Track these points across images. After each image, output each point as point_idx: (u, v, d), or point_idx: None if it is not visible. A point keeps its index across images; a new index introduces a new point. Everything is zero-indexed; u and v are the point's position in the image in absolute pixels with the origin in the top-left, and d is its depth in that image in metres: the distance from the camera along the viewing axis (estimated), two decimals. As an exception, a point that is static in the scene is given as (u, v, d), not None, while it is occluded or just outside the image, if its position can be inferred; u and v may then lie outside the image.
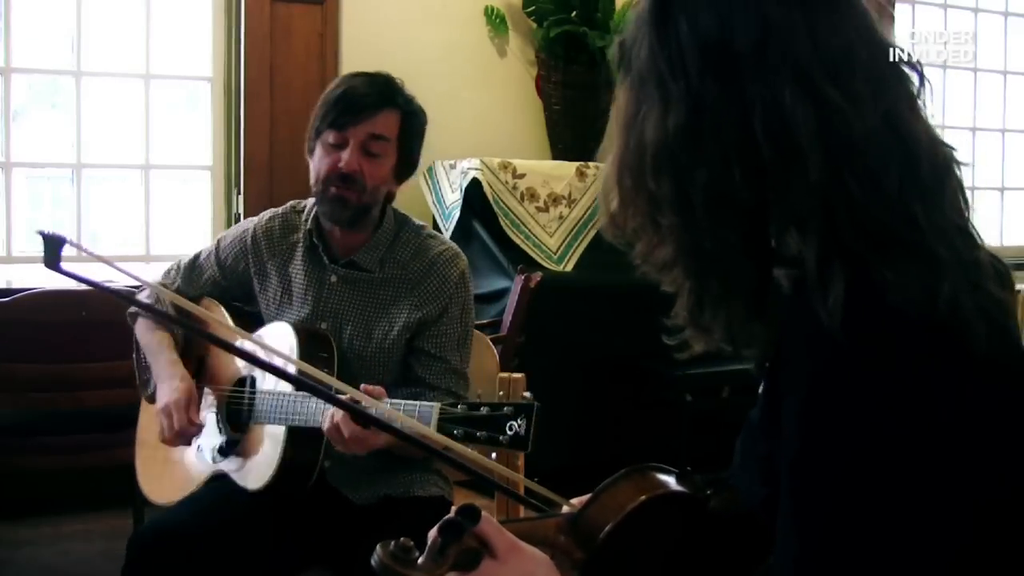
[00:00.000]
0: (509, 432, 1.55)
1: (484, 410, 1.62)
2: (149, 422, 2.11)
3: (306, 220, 2.07)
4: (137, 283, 2.13)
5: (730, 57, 0.93)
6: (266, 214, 2.15)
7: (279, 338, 1.93)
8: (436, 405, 1.68)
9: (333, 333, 1.99)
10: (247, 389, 1.99)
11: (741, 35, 0.93)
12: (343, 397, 1.42)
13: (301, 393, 1.84)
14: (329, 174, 1.96)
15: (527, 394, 1.62)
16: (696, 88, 0.94)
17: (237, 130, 3.72)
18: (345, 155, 1.94)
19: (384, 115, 1.96)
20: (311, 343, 1.93)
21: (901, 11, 4.92)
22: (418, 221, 2.12)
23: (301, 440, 1.85)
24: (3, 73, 3.56)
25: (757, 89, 0.92)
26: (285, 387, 1.88)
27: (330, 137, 1.96)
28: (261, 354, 1.69)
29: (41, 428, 2.97)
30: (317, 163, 1.99)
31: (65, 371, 2.91)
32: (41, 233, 1.37)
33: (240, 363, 2.03)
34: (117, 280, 2.18)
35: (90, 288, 1.43)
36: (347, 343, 1.99)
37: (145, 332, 2.14)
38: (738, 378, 3.17)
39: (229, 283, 2.13)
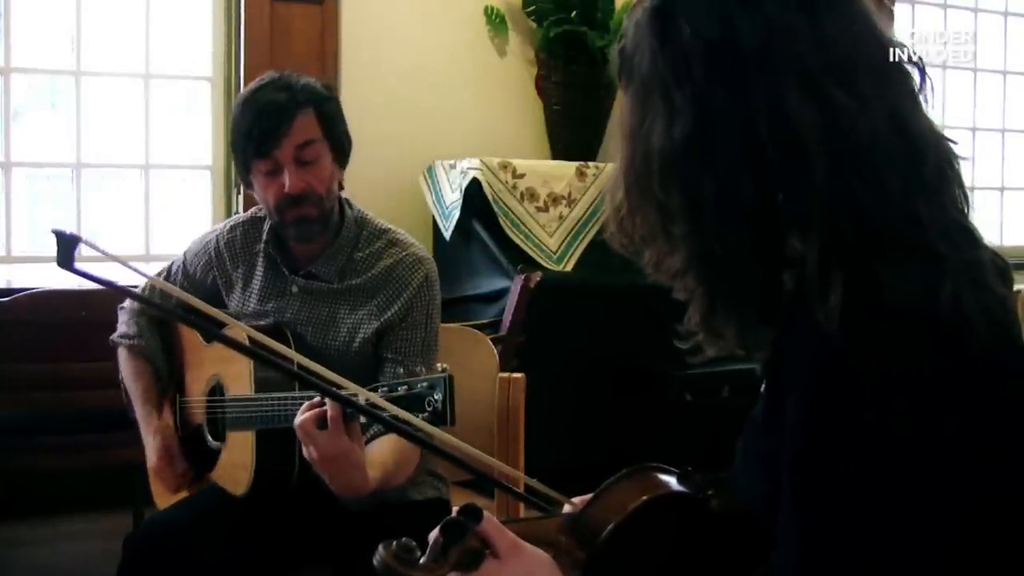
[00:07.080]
0: (428, 408, 1.46)
1: (402, 390, 1.52)
2: None
3: (265, 231, 2.02)
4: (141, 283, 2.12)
5: (734, 60, 0.92)
6: (228, 223, 2.12)
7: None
8: (360, 392, 1.51)
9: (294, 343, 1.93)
10: (217, 398, 1.98)
11: (745, 37, 0.92)
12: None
13: (262, 396, 1.82)
14: (279, 201, 1.90)
15: (441, 365, 1.51)
16: (702, 93, 0.93)
17: (237, 130, 3.71)
18: (285, 178, 1.88)
19: (299, 120, 1.88)
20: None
21: (901, 11, 4.92)
22: (381, 223, 2.04)
23: (271, 442, 1.81)
24: (3, 73, 3.56)
25: (762, 92, 0.91)
26: (248, 392, 1.85)
27: (261, 166, 1.90)
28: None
29: (41, 428, 2.97)
30: (262, 194, 1.93)
31: (65, 371, 2.90)
32: (56, 232, 1.34)
33: (208, 372, 2.02)
34: (124, 279, 2.18)
35: (91, 288, 1.42)
36: (307, 353, 1.94)
37: (125, 372, 2.13)
38: (738, 378, 3.17)
39: (199, 295, 2.11)
